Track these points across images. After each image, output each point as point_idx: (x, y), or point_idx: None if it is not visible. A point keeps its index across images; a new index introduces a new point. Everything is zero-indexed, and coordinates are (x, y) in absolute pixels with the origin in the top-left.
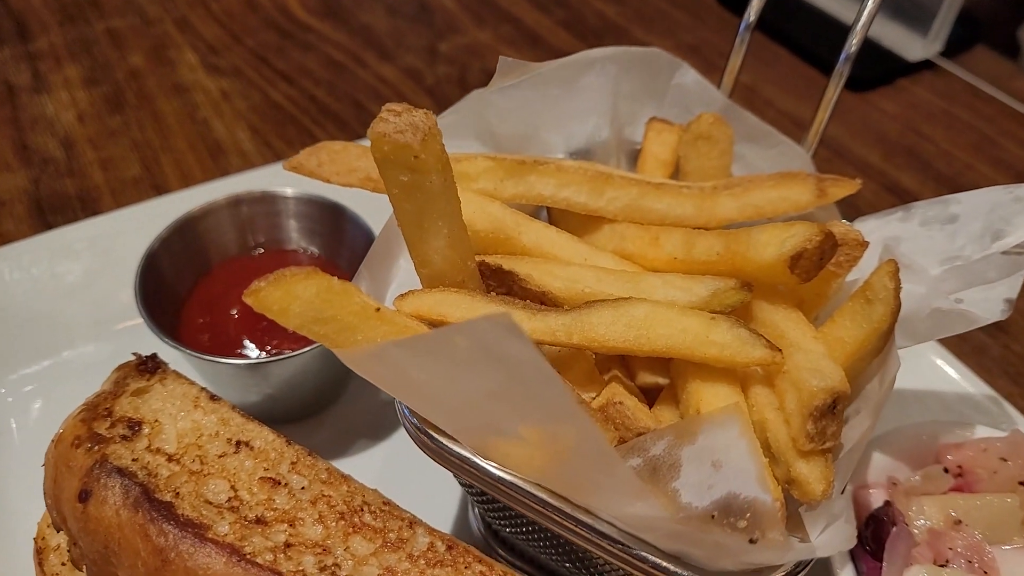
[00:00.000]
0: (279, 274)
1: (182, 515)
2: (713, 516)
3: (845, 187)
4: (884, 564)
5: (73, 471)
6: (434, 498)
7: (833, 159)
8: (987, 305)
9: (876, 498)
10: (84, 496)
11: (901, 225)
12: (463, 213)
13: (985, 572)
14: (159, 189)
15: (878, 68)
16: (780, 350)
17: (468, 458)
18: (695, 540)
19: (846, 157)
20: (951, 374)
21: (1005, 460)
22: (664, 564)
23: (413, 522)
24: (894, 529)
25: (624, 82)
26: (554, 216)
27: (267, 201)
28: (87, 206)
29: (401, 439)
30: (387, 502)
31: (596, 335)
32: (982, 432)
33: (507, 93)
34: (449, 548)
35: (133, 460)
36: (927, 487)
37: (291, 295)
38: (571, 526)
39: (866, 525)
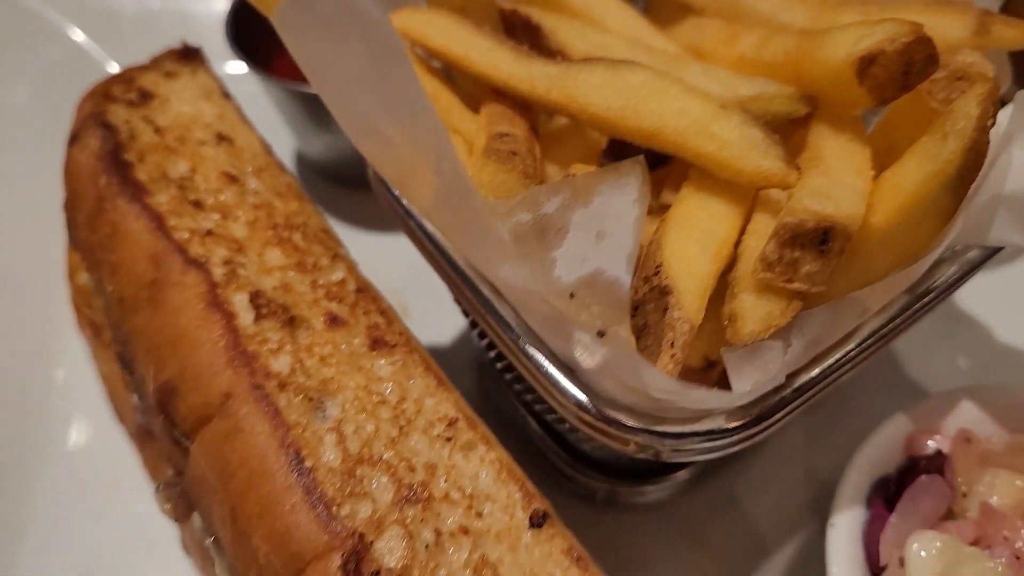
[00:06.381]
0: None
1: (133, 176)
2: (572, 295)
3: (1021, 33)
4: (892, 517)
5: (77, 118)
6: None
7: None
8: None
9: (933, 448)
10: (72, 139)
11: None
12: None
13: None
14: None
15: None
16: (799, 168)
17: (408, 208)
18: (557, 330)
19: None
20: None
21: None
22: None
23: (338, 256)
24: (922, 478)
25: None
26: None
27: None
28: None
29: None
30: (327, 230)
31: (579, 95)
32: None
33: None
34: (359, 291)
35: (125, 121)
36: (1013, 460)
37: None
38: (470, 297)
39: (897, 468)
